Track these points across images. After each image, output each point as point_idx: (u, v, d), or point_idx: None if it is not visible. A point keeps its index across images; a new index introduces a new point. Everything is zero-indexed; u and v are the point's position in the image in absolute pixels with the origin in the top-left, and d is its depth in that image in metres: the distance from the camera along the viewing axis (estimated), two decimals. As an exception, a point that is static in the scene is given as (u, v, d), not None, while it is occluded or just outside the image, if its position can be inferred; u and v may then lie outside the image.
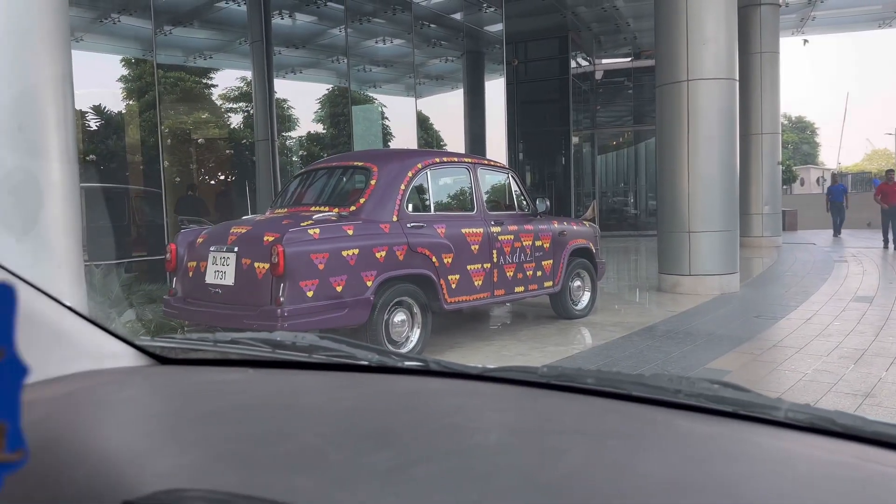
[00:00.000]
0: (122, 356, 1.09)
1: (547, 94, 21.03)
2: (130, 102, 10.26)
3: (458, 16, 15.39)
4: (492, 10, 15.24)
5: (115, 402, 0.93)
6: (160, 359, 1.12)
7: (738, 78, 9.22)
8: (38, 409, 0.90)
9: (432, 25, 14.84)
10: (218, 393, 0.93)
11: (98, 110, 9.80)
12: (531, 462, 0.69)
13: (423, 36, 14.63)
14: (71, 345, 1.02)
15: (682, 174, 8.99)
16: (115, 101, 9.97)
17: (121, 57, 10.11)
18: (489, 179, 6.84)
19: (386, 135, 15.08)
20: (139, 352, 1.11)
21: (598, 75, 23.70)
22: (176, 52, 11.30)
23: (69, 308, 1.04)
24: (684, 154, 8.93)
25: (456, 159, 6.68)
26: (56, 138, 2.92)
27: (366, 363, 1.09)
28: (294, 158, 13.68)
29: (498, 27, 15.44)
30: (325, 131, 14.43)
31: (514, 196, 6.90)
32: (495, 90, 16.14)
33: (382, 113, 15.16)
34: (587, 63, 22.75)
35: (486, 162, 7.05)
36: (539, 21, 18.55)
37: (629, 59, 23.28)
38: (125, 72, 10.18)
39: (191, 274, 5.49)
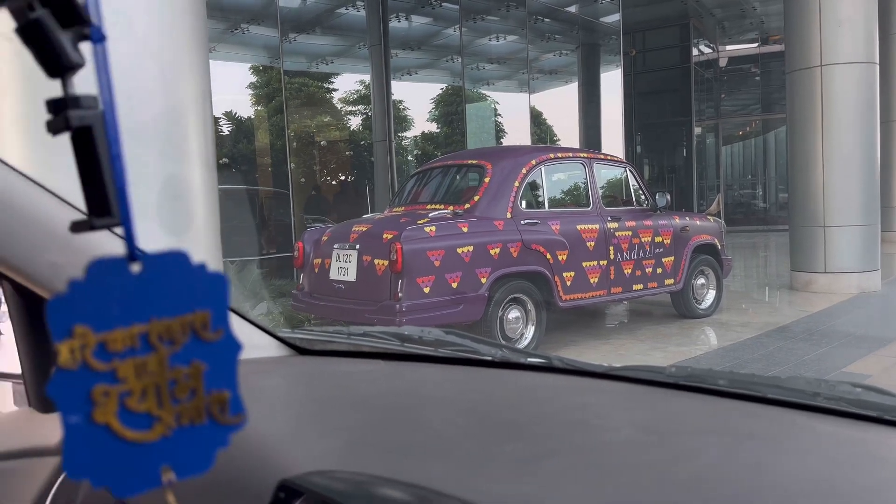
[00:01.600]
0: (266, 347, 1.19)
1: (667, 84, 20.28)
2: (259, 108, 10.89)
3: (572, 8, 15.14)
4: (608, 0, 14.91)
5: (264, 388, 1.02)
6: (299, 349, 1.20)
7: (878, 61, 8.54)
8: None
9: (546, 20, 14.71)
10: (354, 382, 0.99)
11: (230, 116, 10.47)
12: (664, 459, 0.69)
13: (536, 31, 14.53)
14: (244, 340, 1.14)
15: (815, 165, 8.44)
16: (245, 107, 10.63)
17: (249, 65, 10.75)
18: (605, 174, 6.74)
19: (499, 132, 15.11)
20: (281, 343, 1.21)
21: (723, 63, 22.57)
22: (300, 59, 11.86)
23: (246, 318, 1.16)
24: (818, 143, 8.38)
25: (571, 154, 6.61)
26: (197, 146, 3.19)
27: (489, 358, 1.13)
28: (409, 158, 13.99)
29: (614, 17, 15.07)
30: (438, 130, 14.64)
31: (632, 191, 6.75)
32: (611, 82, 15.79)
33: (495, 110, 15.20)
34: (710, 50, 21.74)
35: (602, 156, 6.95)
36: (658, 9, 17.92)
37: (756, 44, 22.02)
38: (254, 79, 10.80)
39: (316, 270, 5.78)
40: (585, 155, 6.63)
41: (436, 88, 14.58)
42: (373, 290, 5.20)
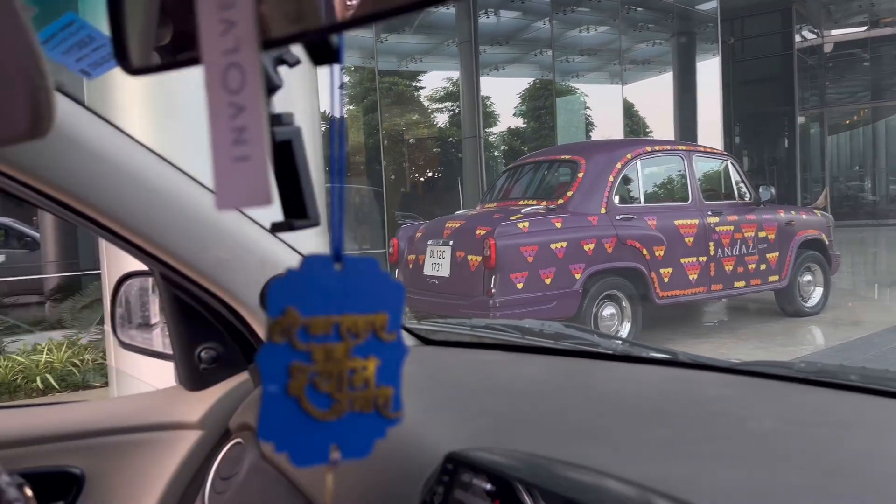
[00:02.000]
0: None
1: (767, 72, 19.39)
2: (352, 107, 11.15)
3: (667, -4, 14.73)
4: (705, -13, 14.43)
5: (404, 374, 1.06)
6: (423, 340, 1.24)
7: None
8: None
9: (639, 9, 14.36)
10: (484, 370, 1.01)
11: (324, 116, 10.78)
12: (810, 448, 0.69)
13: (629, 20, 14.22)
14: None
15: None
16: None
17: (345, 66, 11.02)
18: (704, 167, 6.51)
19: (589, 125, 14.89)
20: (408, 333, 1.25)
21: (828, 48, 21.40)
22: (391, 58, 12.07)
23: None
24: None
25: (668, 147, 6.45)
26: (311, 151, 3.33)
27: (610, 352, 1.13)
28: (496, 154, 13.99)
29: (712, 5, 14.57)
30: (525, 125, 14.56)
31: (734, 184, 6.50)
32: (708, 71, 15.27)
33: (585, 103, 14.99)
34: (814, 36, 20.66)
35: (701, 148, 6.72)
36: (758, -6, 17.19)
37: (864, 28, 20.74)
38: (346, 79, 11.07)
39: (411, 266, 5.88)
40: (683, 147, 6.46)
41: (522, 83, 14.52)
42: (466, 286, 5.24)
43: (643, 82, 15.85)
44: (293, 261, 1.15)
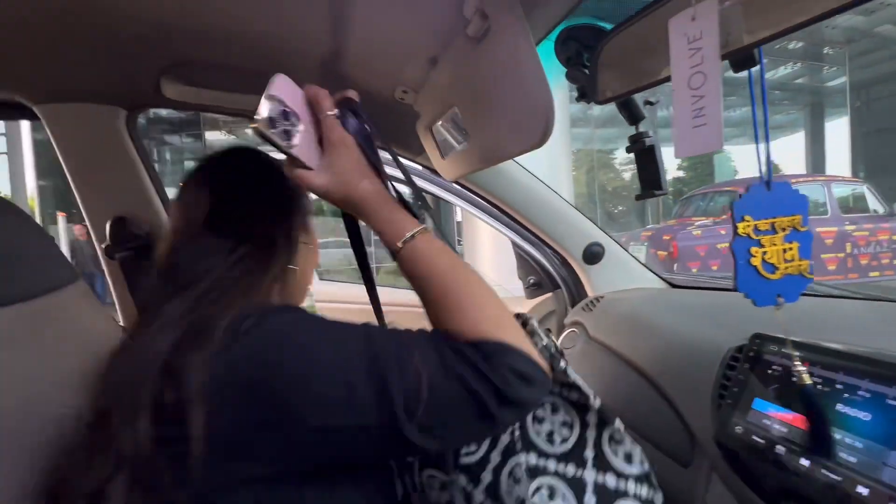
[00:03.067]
0: (654, 282, 1.13)
1: (889, 124, 13.87)
2: (574, 172, 10.61)
3: (801, 80, 11.38)
4: (834, 68, 10.82)
5: (663, 300, 0.95)
6: (671, 284, 1.11)
7: None
8: (630, 302, 0.98)
9: (777, 91, 11.31)
10: (711, 302, 0.85)
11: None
12: None
13: (769, 100, 11.28)
14: (641, 277, 1.11)
15: None
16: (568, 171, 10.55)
17: (572, 149, 10.59)
18: (842, 191, 4.91)
19: (735, 173, 12.22)
20: (662, 280, 1.13)
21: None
22: (599, 142, 11.24)
23: (632, 255, 1.13)
24: None
25: (810, 178, 4.99)
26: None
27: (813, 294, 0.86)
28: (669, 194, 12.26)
29: (841, 80, 10.91)
30: (684, 174, 12.48)
31: (868, 202, 4.81)
32: (837, 128, 11.44)
33: (731, 158, 12.36)
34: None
35: (839, 178, 5.08)
36: (885, 66, 12.39)
37: None
38: (573, 157, 10.62)
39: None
40: (822, 178, 4.94)
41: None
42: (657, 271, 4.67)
43: (778, 140, 12.55)
44: (595, 232, 1.11)
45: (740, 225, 0.40)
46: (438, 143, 0.76)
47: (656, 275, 1.14)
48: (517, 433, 0.46)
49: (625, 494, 0.43)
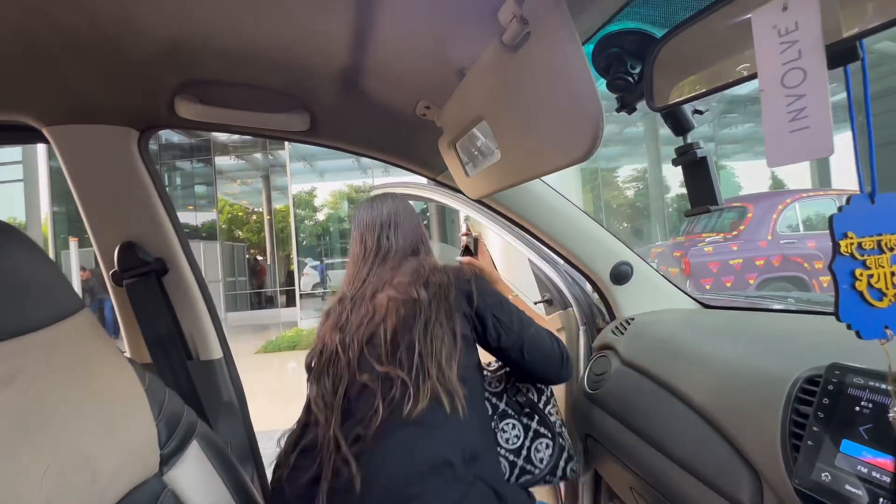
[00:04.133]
0: (685, 302, 1.07)
1: (891, 136, 13.83)
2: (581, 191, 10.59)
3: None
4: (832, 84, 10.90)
5: (700, 322, 0.89)
6: (704, 305, 1.05)
7: None
8: (665, 325, 0.92)
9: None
10: (753, 325, 0.79)
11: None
12: None
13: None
14: (671, 297, 1.05)
15: None
16: (579, 191, 10.53)
17: (580, 168, 10.64)
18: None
19: (740, 188, 12.18)
20: (693, 300, 1.07)
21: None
22: (602, 161, 11.26)
23: (661, 274, 1.07)
24: None
25: (822, 193, 4.92)
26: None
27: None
28: (670, 209, 12.18)
29: (842, 96, 10.96)
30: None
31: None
32: (841, 139, 11.44)
33: (735, 174, 12.35)
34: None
35: (852, 192, 5.00)
36: (880, 81, 12.49)
37: None
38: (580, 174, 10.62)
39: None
40: (834, 192, 4.87)
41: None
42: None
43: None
44: (624, 251, 1.05)
45: (842, 243, 0.33)
46: (462, 161, 0.72)
47: (687, 295, 1.07)
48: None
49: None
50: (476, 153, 0.72)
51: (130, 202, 0.72)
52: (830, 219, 0.33)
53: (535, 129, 0.47)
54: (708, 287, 4.26)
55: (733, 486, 0.56)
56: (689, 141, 0.51)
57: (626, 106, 0.54)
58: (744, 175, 12.93)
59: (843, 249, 0.33)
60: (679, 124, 0.52)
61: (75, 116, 0.64)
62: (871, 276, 0.33)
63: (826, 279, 4.34)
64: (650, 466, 0.71)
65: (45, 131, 0.66)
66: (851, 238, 0.33)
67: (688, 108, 0.52)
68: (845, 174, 11.38)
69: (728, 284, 4.27)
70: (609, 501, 1.14)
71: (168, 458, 0.54)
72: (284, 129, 0.70)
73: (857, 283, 0.33)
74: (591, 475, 1.14)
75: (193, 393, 0.75)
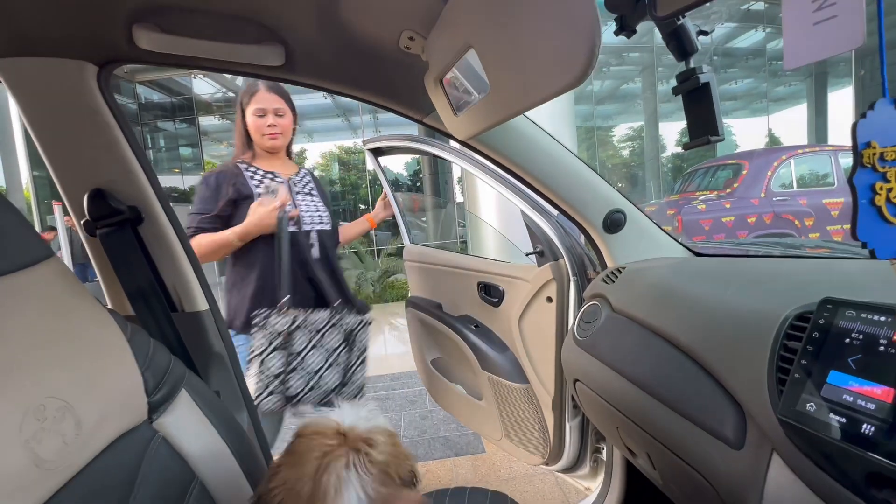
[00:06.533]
0: (677, 251, 1.06)
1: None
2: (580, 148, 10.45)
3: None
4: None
5: (692, 268, 0.88)
6: (695, 253, 1.04)
7: None
8: (655, 272, 0.91)
9: (779, 62, 11.05)
10: (745, 270, 0.78)
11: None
12: None
13: (772, 70, 11.03)
14: (664, 246, 1.04)
15: None
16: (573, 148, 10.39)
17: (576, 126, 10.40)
18: (847, 161, 4.78)
19: (737, 146, 12.04)
20: (685, 249, 1.06)
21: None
22: (598, 119, 11.00)
23: (654, 222, 1.06)
24: None
25: (818, 149, 4.86)
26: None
27: (851, 256, 0.80)
28: (664, 171, 12.07)
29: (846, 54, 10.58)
30: (686, 151, 12.24)
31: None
32: (841, 98, 11.26)
33: (732, 132, 12.13)
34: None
35: (848, 147, 4.95)
36: (892, 33, 12.01)
37: None
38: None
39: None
40: (830, 148, 4.81)
41: (682, 123, 12.20)
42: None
43: (781, 113, 12.27)
44: (618, 198, 1.03)
45: (865, 153, 0.31)
46: (450, 98, 0.68)
47: (681, 244, 1.07)
48: None
49: None
50: (464, 90, 0.67)
51: (94, 145, 0.67)
52: (854, 125, 0.30)
53: (526, 52, 0.43)
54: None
55: (718, 421, 0.57)
56: (691, 65, 0.47)
57: (625, 28, 0.50)
58: (741, 133, 12.73)
59: (865, 160, 0.30)
60: (682, 46, 0.47)
61: (24, 48, 0.58)
62: (890, 189, 0.30)
63: (815, 235, 4.39)
64: (637, 407, 0.72)
65: (-9, 65, 0.60)
66: (874, 148, 0.30)
67: (692, 29, 0.47)
68: (841, 133, 11.26)
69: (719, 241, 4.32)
70: (596, 443, 1.18)
71: (157, 405, 0.54)
72: (256, 62, 0.65)
73: (877, 198, 0.31)
74: (579, 419, 1.17)
75: (180, 345, 0.74)
